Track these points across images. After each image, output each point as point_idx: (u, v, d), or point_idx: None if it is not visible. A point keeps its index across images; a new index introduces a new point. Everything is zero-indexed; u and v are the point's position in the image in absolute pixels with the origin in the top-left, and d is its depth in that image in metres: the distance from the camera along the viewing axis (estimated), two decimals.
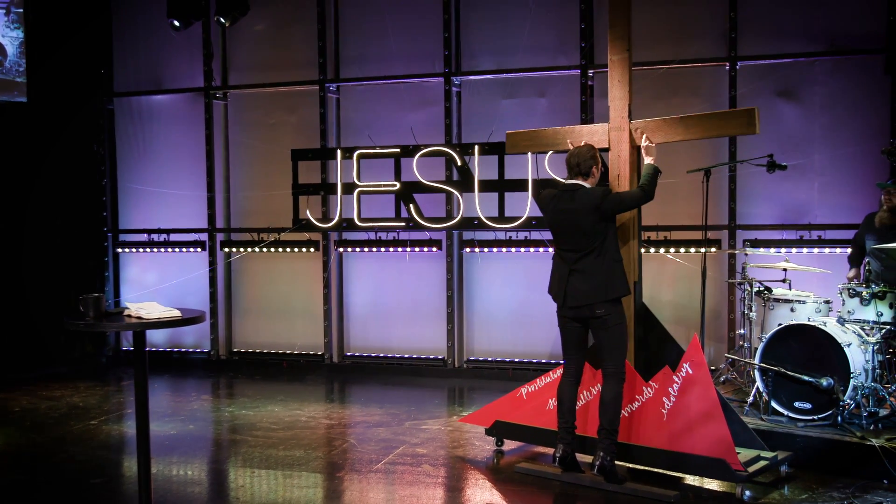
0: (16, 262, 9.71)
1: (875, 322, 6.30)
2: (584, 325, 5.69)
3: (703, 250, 7.51)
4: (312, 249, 9.58)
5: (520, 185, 8.54)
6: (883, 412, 6.14)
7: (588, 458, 5.96)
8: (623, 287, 5.59)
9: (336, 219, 9.19)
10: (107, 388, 8.99)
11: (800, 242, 8.14)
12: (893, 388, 6.25)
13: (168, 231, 10.15)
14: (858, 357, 6.10)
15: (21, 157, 9.71)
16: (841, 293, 6.54)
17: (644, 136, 5.87)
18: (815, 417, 6.09)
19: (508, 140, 6.51)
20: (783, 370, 6.20)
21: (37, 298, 9.76)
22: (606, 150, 6.11)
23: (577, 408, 5.79)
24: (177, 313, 4.59)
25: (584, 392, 6.01)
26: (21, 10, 9.44)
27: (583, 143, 5.88)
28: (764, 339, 6.40)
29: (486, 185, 8.67)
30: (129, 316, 4.61)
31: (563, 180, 5.85)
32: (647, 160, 5.82)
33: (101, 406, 8.14)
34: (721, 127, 5.90)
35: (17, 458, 6.51)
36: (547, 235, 8.62)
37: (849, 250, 7.34)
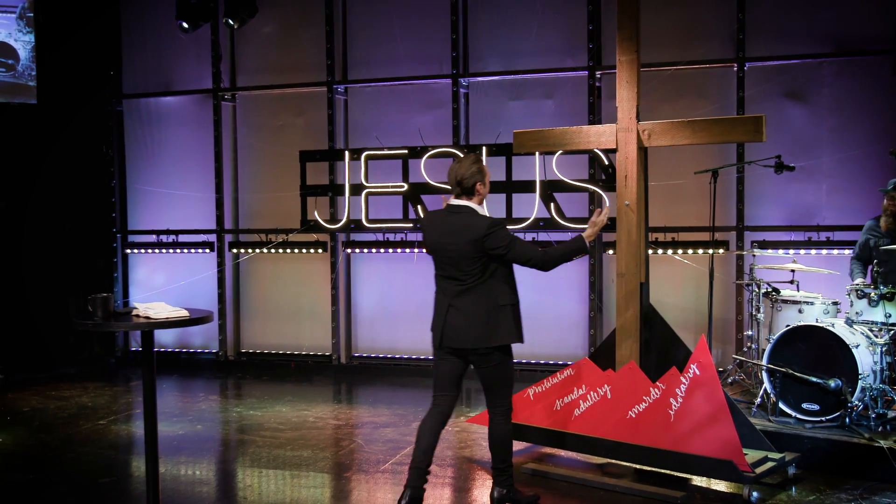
0: (25, 263, 9.74)
1: (883, 323, 6.28)
2: (463, 360, 5.05)
3: (710, 251, 7.50)
4: (320, 250, 9.60)
5: (527, 187, 8.56)
6: (891, 414, 6.12)
7: (594, 459, 5.97)
8: (509, 334, 4.97)
9: (344, 220, 9.21)
10: (115, 389, 9.02)
11: (808, 244, 8.12)
12: None
13: (177, 232, 10.18)
14: (867, 358, 6.08)
15: (30, 158, 9.74)
16: (849, 294, 6.53)
17: (600, 211, 5.26)
18: (823, 419, 6.07)
19: (516, 140, 6.51)
20: (791, 371, 6.19)
21: (46, 299, 9.79)
22: (614, 150, 6.11)
23: (503, 443, 5.19)
24: (185, 313, 4.61)
25: (592, 393, 6.00)
26: (32, 15, 9.48)
27: (467, 155, 5.14)
28: (772, 341, 6.39)
29: (494, 187, 8.63)
30: (138, 316, 4.64)
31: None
32: (586, 231, 5.15)
33: (110, 406, 8.17)
34: (728, 133, 5.87)
35: (27, 457, 6.54)
36: (555, 237, 8.63)
37: (846, 251, 7.34)
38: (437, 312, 5.08)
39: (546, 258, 5.01)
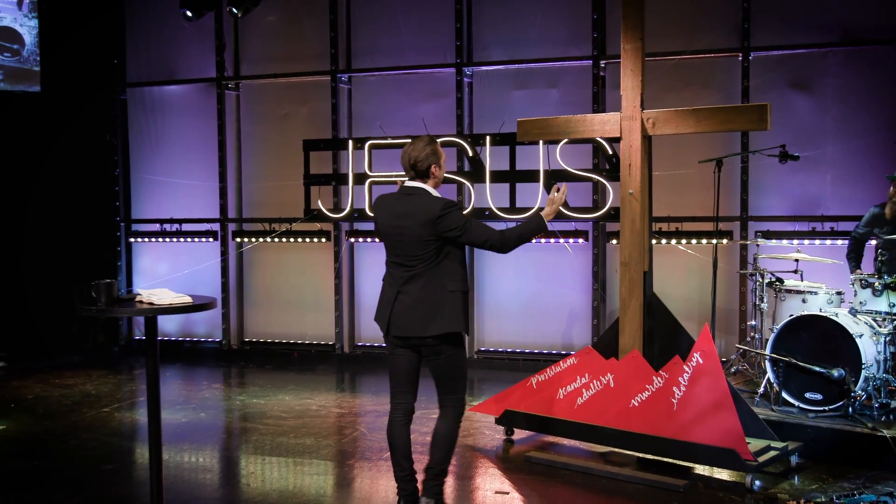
0: (29, 252, 9.75)
1: (887, 313, 6.27)
2: (415, 351, 4.79)
3: (714, 241, 7.49)
4: (324, 240, 9.61)
5: (531, 176, 8.54)
6: (894, 403, 6.11)
7: (596, 447, 5.98)
8: (457, 323, 4.64)
9: (347, 209, 9.21)
10: (119, 377, 9.04)
11: (812, 234, 8.11)
12: None
13: (180, 221, 10.19)
14: (870, 348, 6.08)
15: (34, 147, 9.75)
16: (853, 284, 6.52)
17: (558, 186, 4.98)
18: (826, 408, 6.07)
19: (520, 128, 6.50)
20: (794, 361, 6.18)
21: (49, 288, 9.81)
22: (618, 140, 6.10)
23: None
24: (188, 299, 4.61)
25: (594, 382, 6.00)
26: (36, 1, 9.47)
27: (420, 136, 4.82)
28: (775, 330, 6.38)
29: (498, 176, 8.67)
30: (141, 302, 4.63)
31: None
32: (545, 209, 4.91)
33: (113, 394, 8.19)
34: (732, 121, 5.86)
35: (31, 444, 6.55)
36: (559, 226, 8.62)
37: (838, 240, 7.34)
38: (383, 301, 4.81)
39: (504, 239, 4.74)
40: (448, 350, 4.70)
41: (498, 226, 8.95)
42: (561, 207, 8.34)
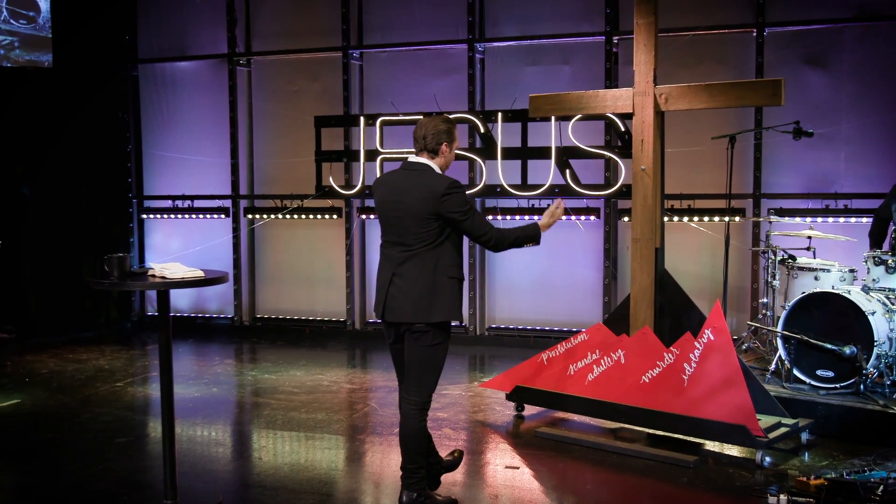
0: (42, 228, 9.79)
1: None
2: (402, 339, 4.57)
3: (727, 219, 7.46)
4: (335, 216, 9.61)
5: (543, 153, 8.52)
6: None
7: (607, 423, 5.99)
8: (451, 310, 4.42)
9: (359, 186, 9.21)
10: (132, 352, 9.10)
11: (825, 212, 8.06)
12: None
13: (192, 197, 10.22)
14: (882, 325, 6.05)
15: (47, 124, 9.76)
16: (866, 261, 6.48)
17: (559, 202, 4.94)
18: (838, 386, 6.06)
19: (532, 104, 6.47)
20: (806, 338, 6.16)
21: (62, 264, 9.85)
22: (630, 116, 6.07)
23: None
24: (200, 273, 4.62)
25: (605, 358, 6.00)
26: None
27: (441, 114, 4.56)
28: (787, 307, 6.36)
29: (509, 153, 8.65)
30: (153, 276, 4.65)
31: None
32: (542, 220, 4.82)
33: (127, 369, 8.24)
34: (746, 96, 5.82)
35: (45, 417, 6.61)
36: (570, 204, 8.60)
37: (864, 219, 7.26)
38: (379, 285, 4.54)
39: (501, 238, 4.58)
40: (432, 339, 4.45)
41: (510, 203, 8.94)
42: (572, 184, 8.43)
